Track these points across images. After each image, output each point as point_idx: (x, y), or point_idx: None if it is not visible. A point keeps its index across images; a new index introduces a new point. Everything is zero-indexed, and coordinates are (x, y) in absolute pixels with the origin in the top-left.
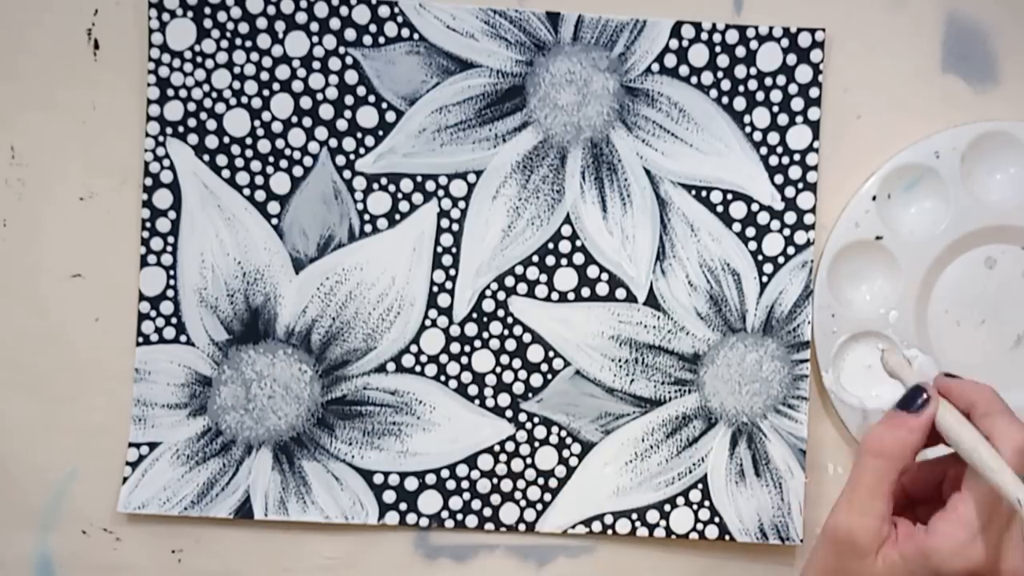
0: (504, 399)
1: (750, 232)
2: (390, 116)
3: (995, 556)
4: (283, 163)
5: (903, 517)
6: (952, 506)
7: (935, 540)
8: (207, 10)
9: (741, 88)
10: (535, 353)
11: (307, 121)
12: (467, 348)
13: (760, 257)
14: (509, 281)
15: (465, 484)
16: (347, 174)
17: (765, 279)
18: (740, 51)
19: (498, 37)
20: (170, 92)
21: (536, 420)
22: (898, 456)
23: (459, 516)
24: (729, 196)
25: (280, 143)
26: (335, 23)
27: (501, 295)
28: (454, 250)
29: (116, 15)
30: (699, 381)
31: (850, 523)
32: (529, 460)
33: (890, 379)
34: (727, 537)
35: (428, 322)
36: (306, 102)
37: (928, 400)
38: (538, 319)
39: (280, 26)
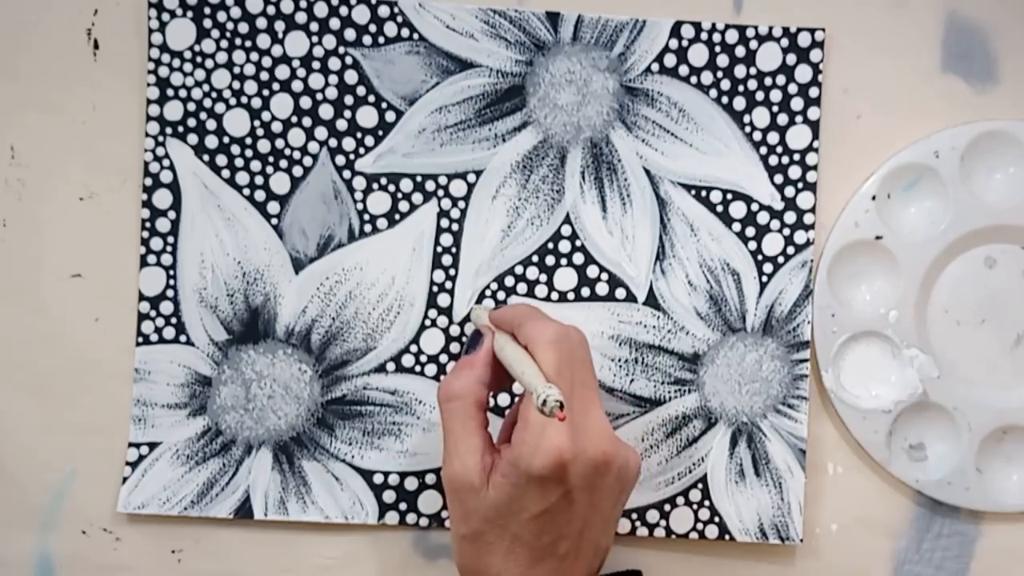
0: (504, 399)
1: (750, 232)
2: (390, 116)
3: (571, 440)
4: (283, 163)
5: None
6: (522, 416)
7: (515, 449)
8: (207, 10)
9: (741, 88)
10: None
11: (307, 121)
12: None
13: (760, 257)
14: (509, 281)
15: None
16: (347, 174)
17: (765, 279)
18: (740, 51)
19: (498, 37)
20: (170, 92)
21: None
22: (469, 393)
23: None
24: (729, 196)
25: (280, 143)
26: (335, 23)
27: (501, 295)
28: (454, 250)
29: (116, 15)
30: (699, 381)
31: (454, 469)
32: None
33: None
34: (727, 537)
35: (428, 322)
36: (306, 102)
37: (483, 336)
38: None
39: (280, 26)
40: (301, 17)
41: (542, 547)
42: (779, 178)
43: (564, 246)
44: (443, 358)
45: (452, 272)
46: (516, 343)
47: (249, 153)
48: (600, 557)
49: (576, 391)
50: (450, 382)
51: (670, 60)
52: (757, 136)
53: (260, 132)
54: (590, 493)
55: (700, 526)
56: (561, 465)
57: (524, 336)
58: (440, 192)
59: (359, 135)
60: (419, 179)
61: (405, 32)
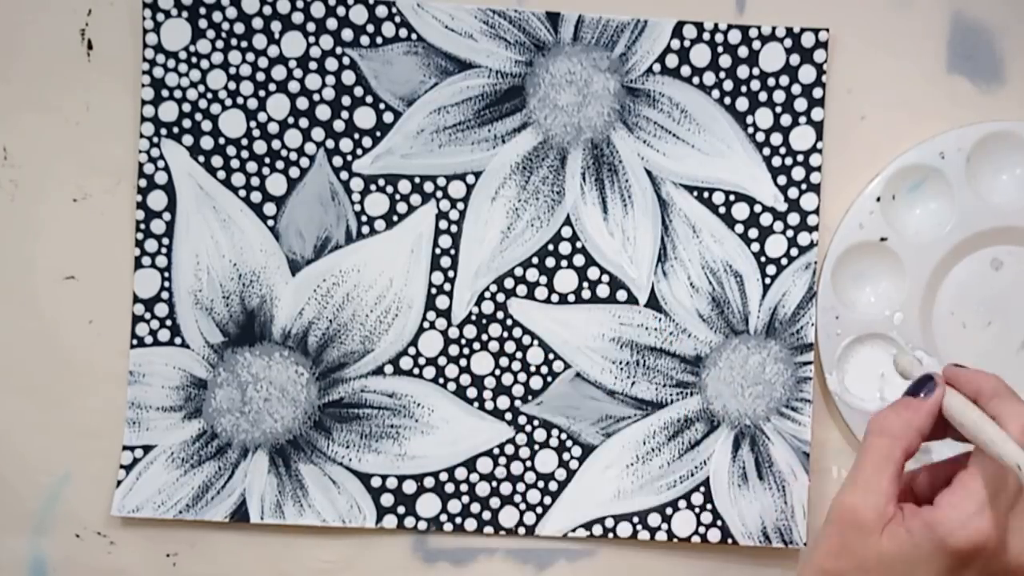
0: (503, 402)
1: (753, 233)
2: (388, 117)
3: (1002, 531)
4: (279, 164)
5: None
6: (958, 481)
7: (940, 512)
8: (202, 10)
9: (744, 88)
10: (535, 355)
11: (304, 122)
12: (466, 350)
13: (763, 259)
14: (508, 283)
15: (464, 487)
16: (344, 175)
17: (768, 281)
18: (743, 51)
19: (497, 37)
20: (165, 93)
21: (536, 423)
22: (902, 436)
23: (458, 519)
24: (731, 197)
25: (276, 144)
26: (332, 23)
27: (500, 297)
28: (453, 252)
29: (110, 15)
30: (701, 383)
31: (855, 501)
32: (529, 463)
33: (902, 382)
34: (730, 540)
35: (426, 324)
36: (303, 103)
37: (935, 386)
38: (538, 321)
39: (276, 26)
40: (298, 17)
41: None
42: (782, 179)
43: (564, 248)
44: (441, 360)
45: (451, 274)
46: (979, 409)
47: (245, 154)
48: None
49: None
50: (889, 417)
51: (672, 60)
52: (760, 137)
53: (256, 133)
54: None
55: (703, 530)
56: (982, 549)
57: (995, 409)
58: (439, 193)
59: (357, 136)
60: (417, 180)
61: (403, 32)
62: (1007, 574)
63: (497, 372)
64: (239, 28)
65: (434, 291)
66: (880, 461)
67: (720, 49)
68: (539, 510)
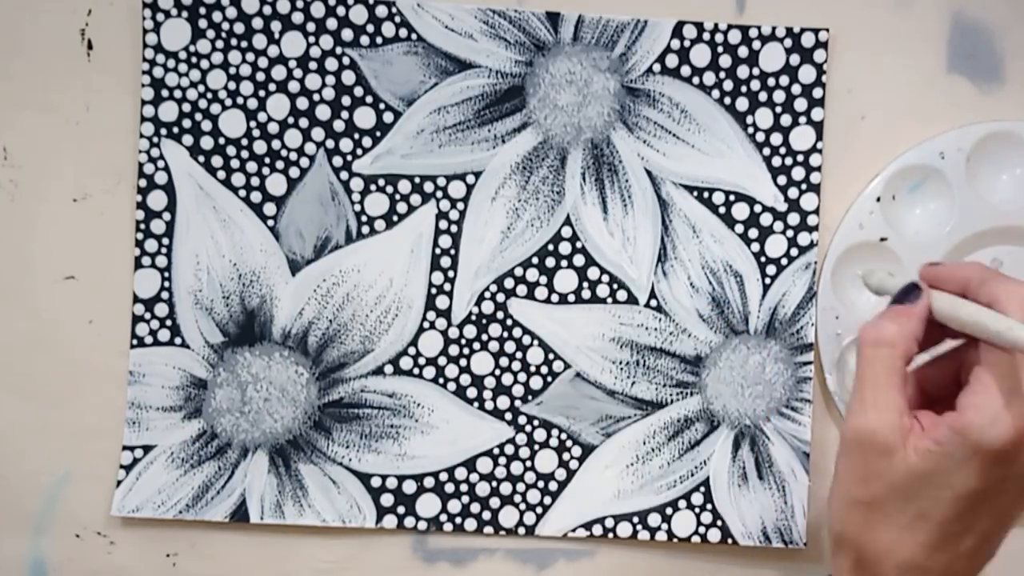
0: (503, 402)
1: (753, 234)
2: (388, 117)
3: None
4: (279, 164)
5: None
6: (976, 379)
7: (968, 415)
8: (202, 10)
9: (744, 89)
10: (535, 355)
11: (304, 122)
12: (466, 350)
13: (763, 259)
14: (508, 283)
15: (464, 487)
16: (344, 175)
17: (768, 281)
18: (743, 51)
19: (497, 37)
20: (164, 93)
21: (536, 423)
22: (899, 343)
23: (458, 519)
24: (731, 197)
25: (276, 144)
26: (332, 23)
27: (500, 297)
28: (453, 252)
29: (110, 15)
30: (701, 384)
31: (868, 422)
32: (529, 463)
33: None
34: (730, 541)
35: (426, 324)
36: (303, 103)
37: (921, 290)
38: (538, 321)
39: (276, 26)
40: (298, 17)
41: (947, 535)
42: (782, 179)
43: (564, 248)
44: (441, 360)
45: (451, 274)
46: (971, 301)
47: (245, 154)
48: (985, 564)
49: None
50: (882, 325)
51: (672, 60)
52: (760, 137)
53: (256, 133)
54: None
55: (703, 530)
56: (1019, 445)
57: (988, 294)
58: (439, 193)
59: (357, 136)
60: (417, 180)
61: (403, 32)
62: None
63: (497, 372)
64: (239, 28)
65: (434, 291)
66: (883, 374)
67: (720, 49)
68: (539, 510)
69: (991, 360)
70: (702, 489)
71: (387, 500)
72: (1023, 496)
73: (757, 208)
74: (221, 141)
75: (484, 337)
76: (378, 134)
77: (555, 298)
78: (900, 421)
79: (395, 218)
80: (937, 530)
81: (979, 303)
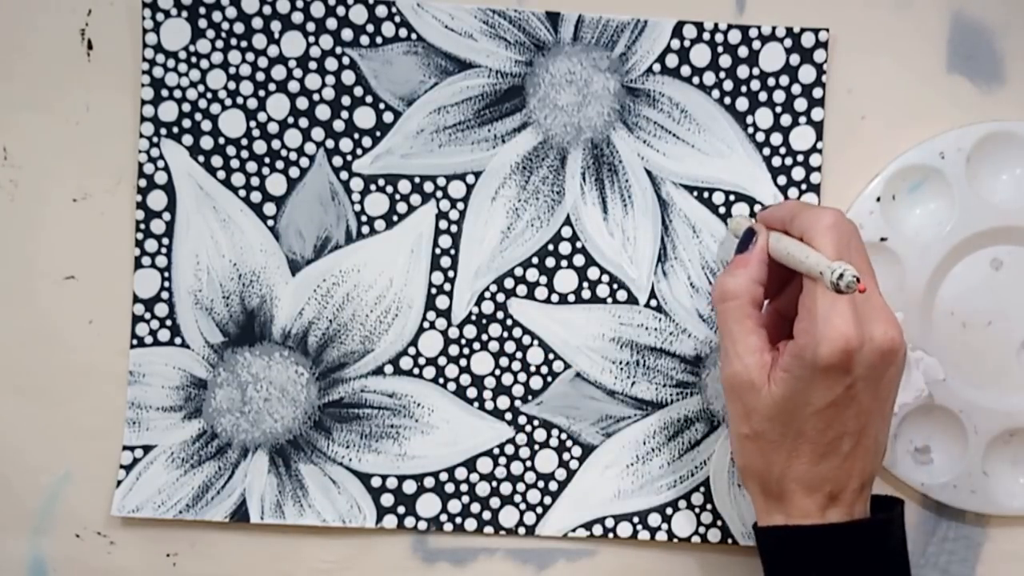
0: (503, 402)
1: None
2: (388, 117)
3: (859, 328)
4: (279, 164)
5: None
6: (802, 306)
7: (799, 340)
8: (202, 10)
9: (744, 88)
10: (535, 355)
11: (303, 122)
12: (466, 350)
13: None
14: (508, 283)
15: (464, 487)
16: (344, 175)
17: None
18: (743, 51)
19: (497, 37)
20: (164, 93)
21: (536, 423)
22: (744, 291)
23: (458, 519)
24: (731, 197)
25: (276, 144)
26: (332, 23)
27: (500, 297)
28: (453, 252)
29: (110, 15)
30: (701, 384)
31: (734, 369)
32: (529, 463)
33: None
34: (730, 540)
35: (426, 324)
36: (302, 103)
37: (755, 234)
38: (538, 321)
39: (276, 26)
40: (297, 17)
41: (826, 443)
42: (782, 179)
43: (564, 248)
44: (441, 360)
45: (451, 274)
46: (790, 236)
47: (245, 154)
48: (880, 456)
49: None
50: (724, 281)
51: (672, 60)
52: (760, 137)
53: (256, 133)
54: (875, 384)
55: (702, 530)
56: (848, 353)
57: (799, 227)
58: (439, 193)
59: (356, 136)
60: (417, 180)
61: (403, 32)
62: (884, 362)
63: (497, 372)
64: (239, 28)
65: (434, 291)
66: (736, 323)
67: (720, 49)
68: (539, 510)
69: (810, 289)
70: (702, 489)
71: (387, 500)
72: (875, 394)
73: (757, 208)
74: (221, 141)
75: (484, 337)
76: (378, 134)
77: (555, 298)
78: (760, 360)
79: (395, 218)
80: (816, 442)
81: (794, 237)
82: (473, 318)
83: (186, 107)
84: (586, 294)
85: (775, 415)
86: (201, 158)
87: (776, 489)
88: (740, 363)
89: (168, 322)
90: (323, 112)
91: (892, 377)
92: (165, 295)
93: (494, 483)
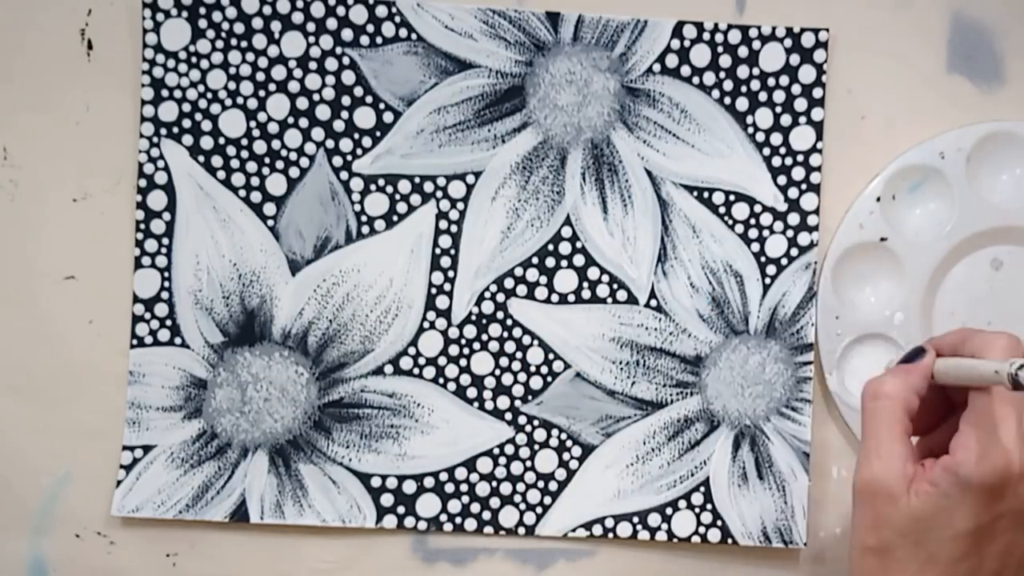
0: (503, 402)
1: (753, 234)
2: (388, 117)
3: (1022, 452)
4: (279, 164)
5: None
6: (963, 422)
7: (956, 455)
8: (202, 10)
9: (744, 88)
10: (535, 355)
11: (303, 122)
12: (466, 350)
13: (763, 259)
14: (508, 283)
15: (464, 487)
16: (344, 175)
17: (768, 281)
18: (743, 51)
19: (497, 37)
20: (164, 93)
21: (536, 423)
22: (898, 395)
23: (458, 519)
24: (731, 197)
25: (276, 144)
26: (332, 23)
27: (500, 297)
28: (453, 252)
29: (110, 15)
30: (701, 384)
31: (873, 472)
32: (529, 463)
33: None
34: (730, 541)
35: (426, 324)
36: (302, 103)
37: (925, 351)
38: (538, 321)
39: (276, 26)
40: (298, 17)
41: (957, 574)
42: (782, 179)
43: (564, 248)
44: (441, 360)
45: (451, 274)
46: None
47: (245, 154)
48: None
49: None
50: (882, 381)
51: (672, 60)
52: (760, 137)
53: (256, 133)
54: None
55: (703, 530)
56: (1007, 476)
57: (970, 350)
58: (439, 193)
59: (356, 136)
60: (417, 180)
61: (403, 32)
62: None
63: (497, 372)
64: (239, 28)
65: (434, 291)
66: (884, 425)
67: (720, 49)
68: (539, 510)
69: (976, 405)
70: (702, 489)
71: (387, 500)
72: (1021, 532)
73: (757, 208)
74: (221, 141)
75: (484, 337)
76: (378, 134)
77: (555, 298)
78: (903, 468)
79: (395, 218)
80: (946, 572)
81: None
82: (473, 318)
83: (186, 107)
84: (586, 294)
85: (909, 531)
86: (201, 158)
87: None
88: (881, 466)
89: (168, 322)
90: (323, 112)
91: None
92: (165, 295)
93: (494, 483)
